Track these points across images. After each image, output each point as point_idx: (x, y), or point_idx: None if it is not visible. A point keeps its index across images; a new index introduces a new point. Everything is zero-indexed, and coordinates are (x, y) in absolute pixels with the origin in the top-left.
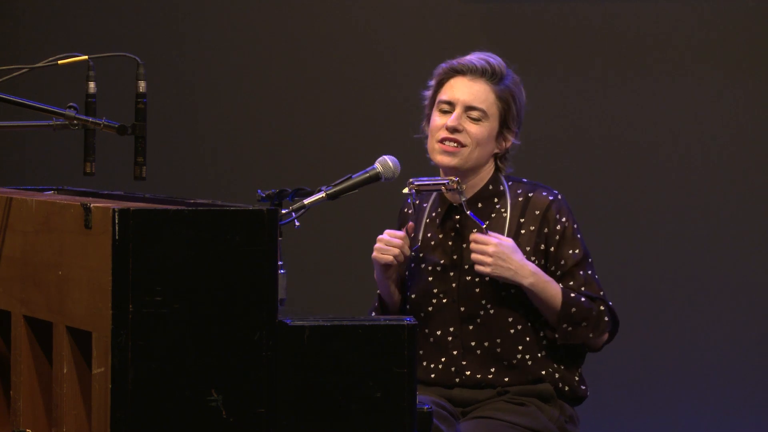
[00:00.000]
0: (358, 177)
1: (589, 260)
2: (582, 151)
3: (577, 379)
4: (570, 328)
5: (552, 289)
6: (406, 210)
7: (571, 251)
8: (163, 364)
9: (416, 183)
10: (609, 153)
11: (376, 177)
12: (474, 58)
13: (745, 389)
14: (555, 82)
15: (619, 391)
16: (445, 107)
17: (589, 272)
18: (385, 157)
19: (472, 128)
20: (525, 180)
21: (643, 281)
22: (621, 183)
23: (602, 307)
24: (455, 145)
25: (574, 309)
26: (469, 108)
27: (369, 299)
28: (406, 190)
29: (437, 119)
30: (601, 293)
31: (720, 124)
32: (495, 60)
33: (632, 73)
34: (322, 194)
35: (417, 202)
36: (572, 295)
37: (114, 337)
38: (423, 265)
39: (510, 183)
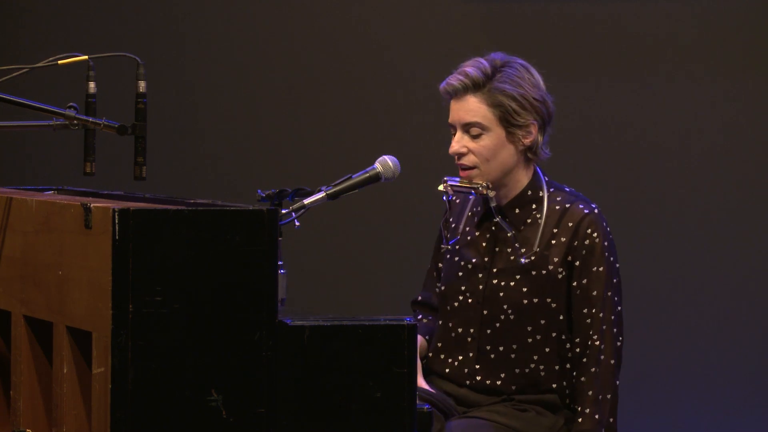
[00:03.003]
0: (358, 177)
1: (614, 281)
2: (582, 151)
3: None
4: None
5: None
6: (453, 198)
7: (595, 268)
8: (163, 364)
9: (450, 183)
10: (609, 153)
11: (376, 177)
12: (454, 75)
13: (745, 389)
14: (555, 82)
15: (620, 390)
16: (452, 130)
17: (608, 294)
18: (385, 157)
19: (475, 145)
20: (567, 189)
21: (643, 281)
22: (621, 183)
23: (608, 375)
24: (466, 169)
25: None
26: (465, 126)
27: (368, 299)
28: (441, 188)
29: (451, 143)
30: (613, 329)
31: (721, 124)
32: (473, 69)
33: (633, 74)
34: (322, 194)
35: (455, 201)
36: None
37: (114, 337)
38: (456, 259)
39: (552, 189)
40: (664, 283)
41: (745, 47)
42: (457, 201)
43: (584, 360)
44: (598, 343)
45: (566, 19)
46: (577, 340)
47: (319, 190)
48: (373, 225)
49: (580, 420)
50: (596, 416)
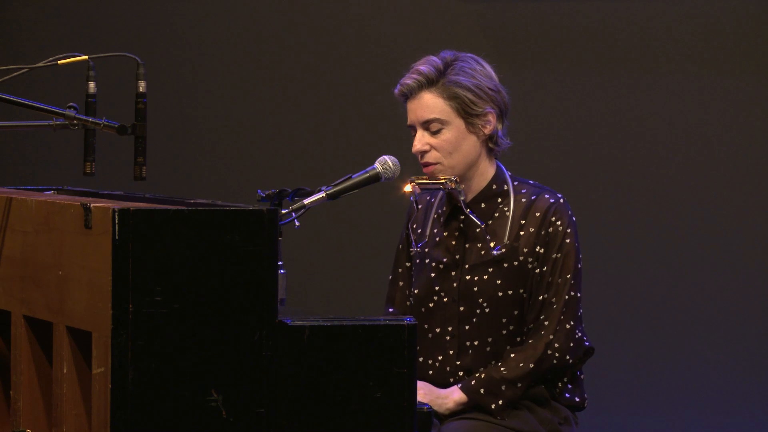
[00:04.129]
0: (358, 177)
1: (573, 266)
2: (581, 150)
3: (569, 385)
4: (501, 402)
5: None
6: (412, 201)
7: (554, 255)
8: (163, 364)
9: (418, 182)
10: (608, 152)
11: (376, 177)
12: (408, 76)
13: (745, 389)
14: (554, 81)
15: (619, 391)
16: (413, 131)
17: (559, 280)
18: (385, 157)
19: (436, 141)
20: (531, 182)
21: (644, 281)
22: (620, 183)
23: (540, 353)
24: (430, 165)
25: (482, 390)
26: (424, 124)
27: (368, 299)
28: (408, 188)
29: (413, 143)
30: (563, 310)
31: (721, 124)
32: (425, 66)
33: (632, 73)
34: (322, 194)
35: (419, 204)
36: (472, 383)
37: (114, 337)
38: (427, 261)
39: (516, 183)
40: (664, 283)
41: (746, 47)
42: (420, 206)
43: (528, 340)
44: (547, 323)
45: (566, 19)
46: (531, 325)
47: (319, 190)
48: (373, 225)
49: (488, 369)
50: (503, 370)
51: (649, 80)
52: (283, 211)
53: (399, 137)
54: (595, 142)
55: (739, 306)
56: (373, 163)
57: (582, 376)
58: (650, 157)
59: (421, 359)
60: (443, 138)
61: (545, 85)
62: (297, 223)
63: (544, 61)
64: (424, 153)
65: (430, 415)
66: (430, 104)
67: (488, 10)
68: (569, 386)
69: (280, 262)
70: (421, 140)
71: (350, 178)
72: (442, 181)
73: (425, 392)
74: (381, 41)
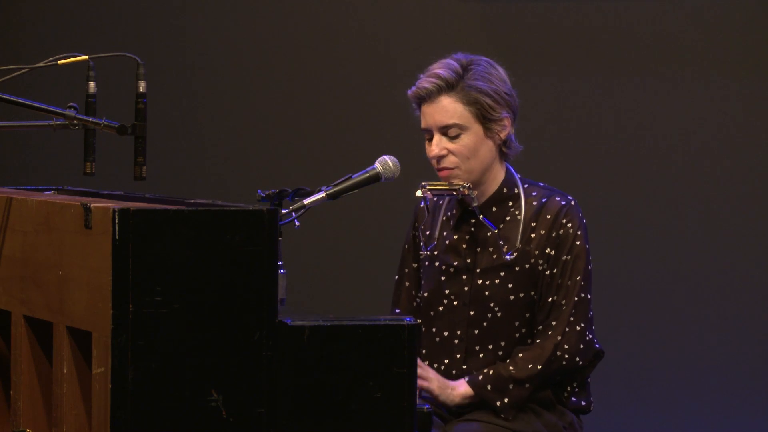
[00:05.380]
0: (358, 177)
1: (584, 268)
2: (581, 150)
3: (577, 389)
4: (506, 400)
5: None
6: (422, 206)
7: (564, 257)
8: (163, 364)
9: (429, 187)
10: (609, 152)
11: (376, 177)
12: (425, 79)
13: (745, 389)
14: (554, 81)
15: (619, 391)
16: (427, 135)
17: (569, 282)
18: (385, 157)
19: (454, 146)
20: (542, 184)
21: (644, 281)
22: (621, 182)
23: (548, 354)
24: (447, 170)
25: (489, 386)
26: (443, 129)
27: (367, 299)
28: (419, 193)
29: (427, 148)
30: (571, 311)
31: (721, 124)
32: (444, 70)
33: (632, 73)
34: (322, 194)
35: (430, 204)
36: (480, 378)
37: (114, 337)
38: (437, 264)
39: (526, 185)
40: (664, 284)
41: (747, 47)
42: (438, 201)
43: (536, 340)
44: (555, 323)
45: (566, 19)
46: (540, 327)
47: (319, 190)
48: (373, 225)
49: (495, 367)
50: (511, 369)
51: (650, 80)
52: (283, 211)
53: (399, 137)
54: (597, 143)
55: (741, 308)
56: (373, 163)
57: (588, 380)
58: (655, 157)
59: (426, 363)
60: (462, 143)
61: (545, 85)
62: (297, 223)
63: (545, 61)
64: (441, 158)
65: (430, 415)
66: (449, 109)
67: (489, 10)
68: (576, 390)
69: (280, 262)
70: (438, 145)
71: (350, 178)
72: (456, 187)
73: (439, 384)
74: (381, 41)
